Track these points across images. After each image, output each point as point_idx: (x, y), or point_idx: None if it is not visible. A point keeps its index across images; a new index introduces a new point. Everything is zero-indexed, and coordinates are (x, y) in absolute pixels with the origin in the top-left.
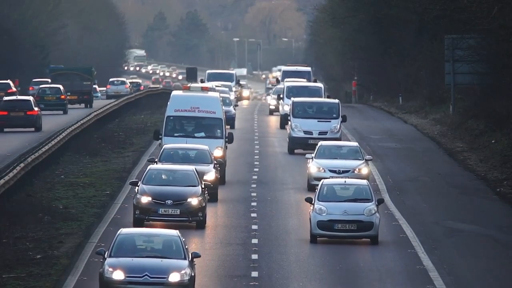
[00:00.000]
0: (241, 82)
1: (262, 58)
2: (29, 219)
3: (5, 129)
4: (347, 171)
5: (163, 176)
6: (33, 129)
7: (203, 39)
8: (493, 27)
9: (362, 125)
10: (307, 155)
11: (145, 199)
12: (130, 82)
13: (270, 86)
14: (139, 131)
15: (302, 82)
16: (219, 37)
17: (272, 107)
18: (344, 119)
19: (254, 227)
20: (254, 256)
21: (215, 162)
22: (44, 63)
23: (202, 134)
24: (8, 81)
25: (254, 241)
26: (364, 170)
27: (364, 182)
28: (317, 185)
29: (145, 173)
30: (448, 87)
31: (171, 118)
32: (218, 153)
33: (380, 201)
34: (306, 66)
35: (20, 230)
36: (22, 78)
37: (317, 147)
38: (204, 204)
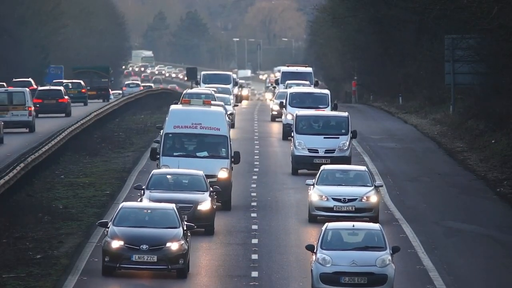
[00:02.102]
0: (240, 82)
1: (262, 58)
2: (29, 219)
3: (40, 115)
4: (353, 199)
5: (138, 216)
6: (63, 114)
7: (203, 39)
8: (493, 27)
9: (362, 125)
10: (308, 181)
11: (116, 244)
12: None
13: (269, 84)
14: (139, 131)
15: (306, 89)
16: (219, 37)
17: (275, 112)
18: (354, 135)
19: (254, 227)
20: (254, 256)
21: (211, 189)
22: (44, 63)
23: (205, 153)
24: (29, 79)
25: (254, 241)
26: (373, 198)
27: (376, 226)
28: (319, 215)
29: (116, 212)
30: (448, 87)
31: (170, 135)
32: (222, 174)
33: (396, 249)
34: (307, 67)
35: (20, 230)
36: (22, 78)
37: (319, 172)
38: (186, 249)
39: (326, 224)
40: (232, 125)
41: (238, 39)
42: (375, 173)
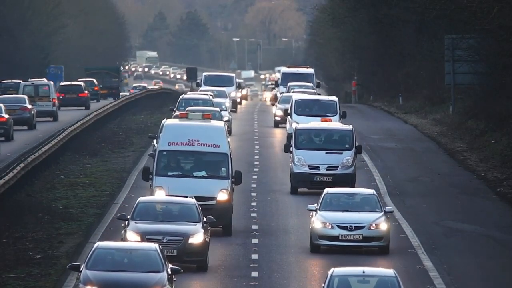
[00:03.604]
0: (238, 82)
1: (262, 58)
2: (29, 219)
3: (62, 108)
4: (361, 227)
5: (115, 257)
6: (83, 108)
7: (203, 39)
8: (493, 27)
9: (362, 125)
10: (310, 206)
11: None
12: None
13: (269, 83)
14: (139, 131)
15: (313, 96)
16: (219, 37)
17: (278, 118)
18: (359, 150)
19: (254, 227)
20: (254, 256)
21: (204, 220)
22: (44, 63)
23: (203, 173)
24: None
25: (254, 241)
26: (383, 226)
27: (391, 272)
28: (323, 245)
29: (90, 252)
30: (448, 87)
31: (164, 153)
32: (222, 196)
33: None
34: (308, 68)
35: (20, 230)
36: (22, 78)
37: (322, 196)
38: None
39: (332, 270)
40: (229, 132)
41: (238, 39)
42: (375, 173)
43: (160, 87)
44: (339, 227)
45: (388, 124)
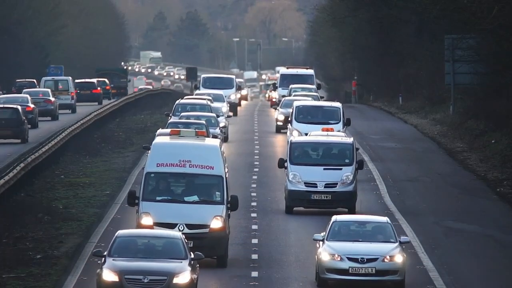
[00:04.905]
0: (238, 81)
1: (262, 58)
2: (29, 219)
3: (76, 103)
4: (374, 259)
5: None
6: (96, 103)
7: (203, 39)
8: (493, 27)
9: (362, 125)
10: (316, 236)
11: None
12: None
13: (269, 82)
14: (139, 131)
15: (315, 102)
16: (219, 37)
17: (280, 123)
18: (360, 166)
19: (254, 227)
20: (254, 256)
21: (191, 257)
22: (44, 63)
23: (195, 197)
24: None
25: (254, 241)
26: (398, 258)
27: None
28: (331, 279)
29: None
30: (448, 87)
31: (152, 175)
32: (216, 224)
33: None
34: (308, 69)
35: (20, 230)
36: (22, 78)
37: (329, 224)
38: None
39: None
40: (225, 139)
41: (238, 39)
42: (375, 173)
43: (161, 87)
44: (349, 259)
45: (388, 124)
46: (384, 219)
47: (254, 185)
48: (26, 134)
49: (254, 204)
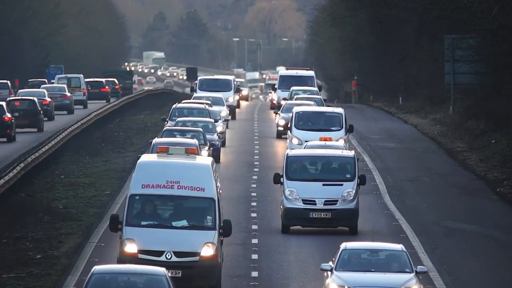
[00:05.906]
0: (237, 82)
1: (262, 58)
2: (29, 219)
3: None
4: None
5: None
6: (104, 101)
7: (203, 39)
8: (493, 27)
9: (362, 125)
10: (323, 266)
11: None
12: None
13: (269, 81)
14: (139, 131)
15: (317, 108)
16: (219, 37)
17: (281, 128)
18: (362, 181)
19: (254, 227)
20: (254, 256)
21: None
22: (44, 63)
23: (184, 222)
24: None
25: (254, 241)
26: None
27: None
28: None
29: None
30: (448, 87)
31: (137, 198)
32: (207, 252)
33: None
34: (308, 70)
35: (20, 230)
36: (22, 78)
37: (338, 252)
38: None
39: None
40: (222, 143)
41: (238, 39)
42: (375, 173)
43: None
44: None
45: (388, 124)
46: (399, 246)
47: (254, 185)
48: (42, 124)
49: (254, 204)
